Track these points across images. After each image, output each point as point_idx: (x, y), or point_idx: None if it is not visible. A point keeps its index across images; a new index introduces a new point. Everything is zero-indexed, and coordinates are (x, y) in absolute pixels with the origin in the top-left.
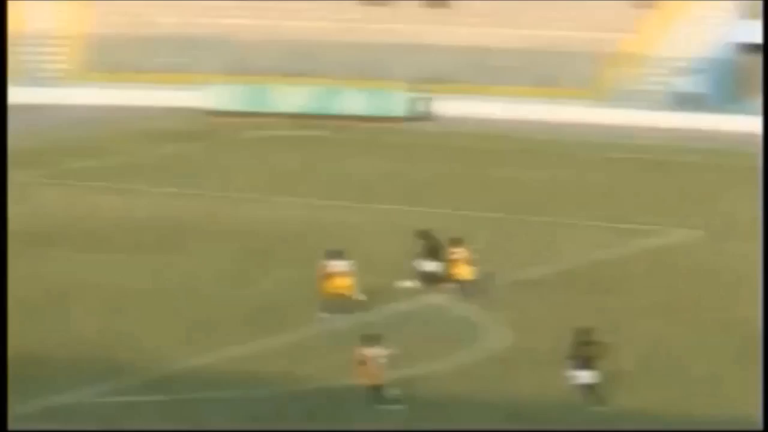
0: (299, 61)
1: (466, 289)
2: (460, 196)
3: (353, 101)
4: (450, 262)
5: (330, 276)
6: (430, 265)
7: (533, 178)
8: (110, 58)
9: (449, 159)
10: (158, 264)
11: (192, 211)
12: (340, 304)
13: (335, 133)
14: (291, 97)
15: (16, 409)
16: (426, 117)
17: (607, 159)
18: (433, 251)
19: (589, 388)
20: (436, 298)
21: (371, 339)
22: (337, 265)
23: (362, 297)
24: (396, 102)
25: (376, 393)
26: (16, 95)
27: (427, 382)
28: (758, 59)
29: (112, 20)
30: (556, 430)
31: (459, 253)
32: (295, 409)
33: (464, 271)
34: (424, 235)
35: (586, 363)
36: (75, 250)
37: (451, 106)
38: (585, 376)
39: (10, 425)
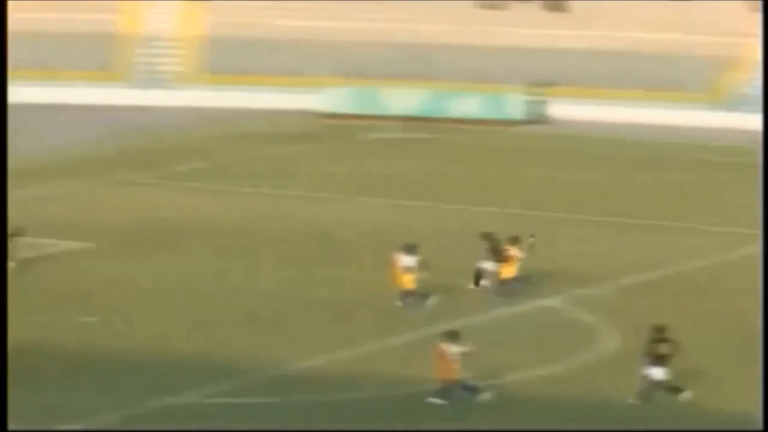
0: (413, 64)
1: (504, 286)
2: (571, 200)
3: (468, 104)
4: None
5: (398, 269)
6: (488, 265)
7: (646, 181)
8: (224, 61)
9: (562, 162)
10: (262, 266)
11: (298, 213)
12: (412, 295)
13: (448, 136)
14: (404, 100)
15: (130, 408)
16: (542, 120)
17: (718, 163)
18: (496, 252)
19: (659, 385)
20: (547, 301)
21: (450, 335)
22: (405, 260)
23: (431, 296)
24: (511, 105)
25: (447, 388)
26: (130, 97)
27: (537, 384)
28: None
29: (226, 22)
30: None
31: (512, 251)
32: (403, 411)
33: (506, 270)
34: (488, 236)
35: (658, 360)
36: (185, 252)
37: (567, 110)
38: (656, 373)
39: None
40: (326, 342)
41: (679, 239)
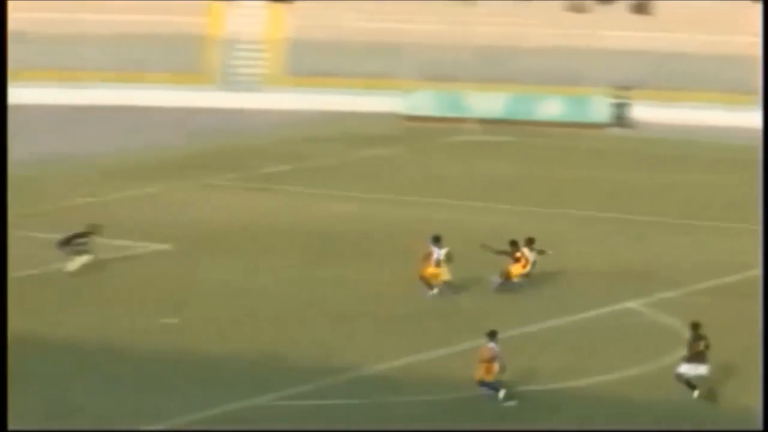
0: (496, 67)
1: (500, 285)
2: (654, 203)
3: (551, 107)
4: (512, 259)
5: (426, 259)
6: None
7: (729, 184)
8: (307, 63)
9: (646, 165)
10: (345, 270)
11: (381, 215)
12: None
13: (532, 139)
14: (487, 103)
15: (207, 410)
16: (626, 123)
17: None
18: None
19: (698, 381)
20: (629, 304)
21: (492, 335)
22: (432, 251)
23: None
24: (595, 108)
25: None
26: (215, 99)
27: (615, 385)
28: None
29: (310, 25)
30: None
31: (524, 251)
32: (482, 412)
33: (514, 270)
34: (515, 243)
35: (695, 358)
36: (267, 254)
37: (651, 113)
38: (693, 370)
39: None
40: (403, 345)
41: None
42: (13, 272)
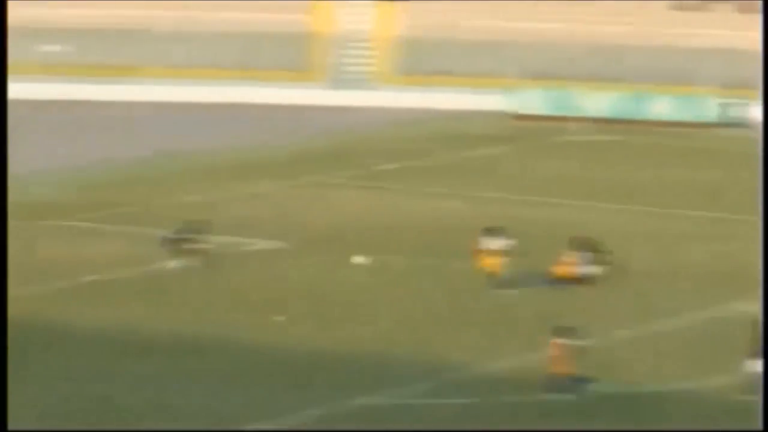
0: (606, 66)
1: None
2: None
3: (662, 106)
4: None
5: (482, 252)
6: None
7: None
8: (417, 61)
9: (755, 165)
10: (454, 268)
11: (488, 214)
12: (496, 281)
13: (642, 138)
14: (598, 102)
15: (320, 408)
16: (738, 123)
17: None
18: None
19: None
20: (739, 305)
21: (569, 330)
22: (491, 243)
23: (496, 269)
24: (707, 108)
25: (560, 380)
26: (324, 97)
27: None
28: None
29: (420, 23)
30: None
31: (568, 255)
32: (600, 411)
33: (557, 271)
34: (582, 242)
35: (759, 353)
36: (377, 253)
37: (762, 112)
38: (758, 366)
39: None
40: (513, 344)
41: None
42: (119, 269)
